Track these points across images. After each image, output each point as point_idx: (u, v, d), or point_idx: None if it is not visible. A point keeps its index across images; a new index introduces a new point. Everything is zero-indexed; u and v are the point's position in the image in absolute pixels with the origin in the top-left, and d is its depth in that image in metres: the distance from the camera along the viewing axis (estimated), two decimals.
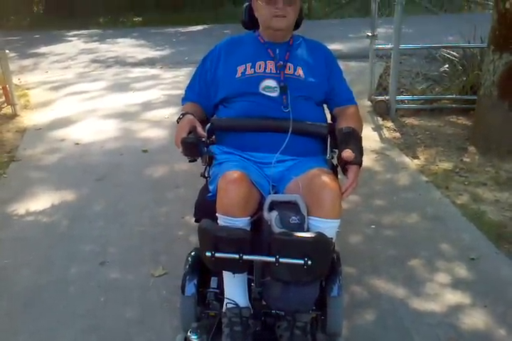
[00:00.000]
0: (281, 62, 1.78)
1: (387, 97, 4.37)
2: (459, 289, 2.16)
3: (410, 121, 4.26)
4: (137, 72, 6.46)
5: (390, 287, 2.19)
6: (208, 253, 1.45)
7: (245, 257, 1.44)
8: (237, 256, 1.44)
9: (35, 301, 2.19)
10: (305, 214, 1.52)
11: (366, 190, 3.03)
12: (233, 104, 1.79)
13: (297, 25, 1.90)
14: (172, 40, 8.59)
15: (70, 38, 9.40)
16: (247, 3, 1.89)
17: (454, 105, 4.43)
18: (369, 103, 4.60)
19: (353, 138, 1.62)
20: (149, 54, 7.58)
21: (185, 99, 1.94)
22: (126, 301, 2.17)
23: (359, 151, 1.58)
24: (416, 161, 3.45)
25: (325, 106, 1.91)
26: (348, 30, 8.14)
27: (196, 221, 1.70)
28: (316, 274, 1.47)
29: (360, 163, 1.57)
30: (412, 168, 3.35)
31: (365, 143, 3.72)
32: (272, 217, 1.51)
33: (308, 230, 1.52)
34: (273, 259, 1.42)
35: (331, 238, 1.54)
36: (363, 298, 2.13)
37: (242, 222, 1.54)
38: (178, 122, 1.73)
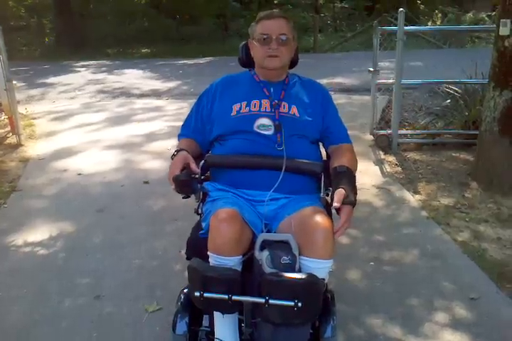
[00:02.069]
0: (276, 101, 1.80)
1: (389, 131, 4.39)
2: (459, 330, 2.11)
3: (412, 155, 4.26)
4: (142, 103, 6.56)
5: (388, 326, 2.14)
6: (197, 293, 1.43)
7: (235, 298, 1.42)
8: (226, 297, 1.42)
9: (27, 337, 2.15)
10: (297, 254, 1.50)
11: (366, 226, 3.01)
12: (228, 141, 1.80)
13: (293, 64, 1.93)
14: (179, 72, 8.75)
15: (78, 69, 9.61)
16: (243, 42, 1.94)
17: (456, 140, 4.44)
18: (371, 137, 4.62)
19: (347, 178, 1.62)
20: (155, 85, 7.71)
21: (181, 135, 1.95)
22: (119, 338, 2.13)
23: (352, 191, 1.57)
24: (417, 196, 3.43)
25: (320, 144, 1.92)
26: (351, 63, 8.27)
27: (188, 258, 1.68)
28: (307, 316, 1.44)
29: (352, 203, 1.56)
30: (413, 204, 3.33)
31: (367, 178, 3.84)
32: (263, 256, 1.50)
33: (299, 270, 1.50)
34: (263, 300, 1.40)
35: (323, 278, 1.52)
36: (360, 337, 2.08)
37: (234, 261, 1.53)
38: (172, 158, 1.74)
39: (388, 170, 3.93)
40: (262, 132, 1.75)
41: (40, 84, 7.88)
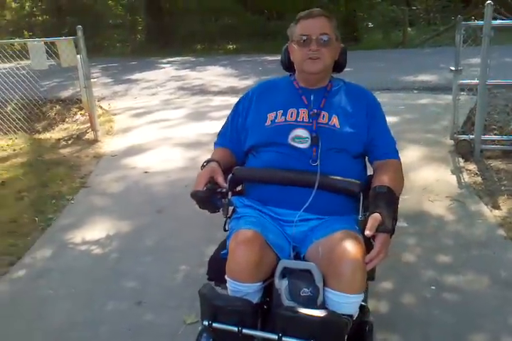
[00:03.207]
0: (315, 110, 1.62)
1: (471, 136, 4.00)
2: None
3: (496, 164, 3.84)
4: (219, 100, 6.56)
5: None
6: (206, 323, 1.31)
7: (245, 331, 1.29)
8: (235, 329, 1.29)
9: (65, 340, 2.17)
10: (320, 285, 1.34)
11: (431, 243, 2.73)
12: (261, 153, 1.66)
13: (340, 68, 1.74)
14: (258, 69, 8.68)
15: (163, 65, 9.86)
16: (286, 45, 1.78)
17: None
18: (451, 142, 4.24)
19: (385, 200, 1.42)
20: (233, 82, 7.70)
21: (216, 144, 1.84)
22: None
23: (390, 216, 1.37)
24: (496, 212, 3.07)
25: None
26: (440, 59, 7.71)
27: (209, 279, 1.57)
28: None
29: (388, 231, 1.36)
30: (489, 220, 2.98)
31: (441, 188, 3.52)
32: (282, 286, 1.35)
33: (323, 304, 1.34)
34: (275, 337, 1.26)
35: (351, 315, 1.35)
36: None
37: (252, 288, 1.40)
38: (201, 169, 1.63)
39: (466, 179, 3.57)
40: (297, 145, 1.59)
41: (125, 81, 8.17)
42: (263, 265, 1.40)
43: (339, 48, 1.70)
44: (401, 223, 2.93)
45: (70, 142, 5.12)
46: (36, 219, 3.35)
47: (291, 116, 1.63)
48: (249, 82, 7.70)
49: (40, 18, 15.85)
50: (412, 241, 2.76)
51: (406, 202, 3.14)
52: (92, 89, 4.97)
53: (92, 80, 5.01)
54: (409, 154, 3.93)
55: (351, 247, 1.35)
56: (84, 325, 2.25)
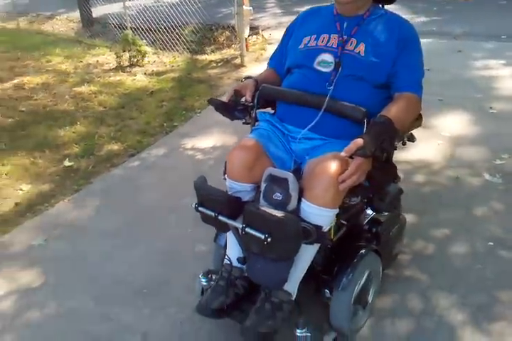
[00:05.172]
0: (345, 37, 1.66)
1: None
2: None
3: None
4: None
5: None
6: (194, 205, 1.58)
7: (220, 217, 1.53)
8: (213, 215, 1.53)
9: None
10: (293, 194, 1.49)
11: None
12: (292, 74, 1.78)
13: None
14: (433, 9, 8.05)
15: None
16: None
17: None
18: None
19: (379, 128, 1.45)
20: None
21: (268, 65, 1.99)
22: None
23: (374, 143, 1.41)
24: None
25: None
26: None
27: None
28: (279, 253, 1.45)
29: (365, 156, 1.41)
30: None
31: None
32: (262, 188, 1.53)
33: (295, 211, 1.50)
34: (240, 226, 1.47)
35: (321, 226, 1.49)
36: None
37: (243, 187, 1.62)
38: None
39: None
40: (321, 69, 1.67)
41: (293, 12, 8.26)
42: (256, 170, 1.59)
43: None
44: (496, 178, 2.79)
45: (219, 64, 5.56)
46: (165, 124, 3.89)
47: (322, 41, 1.70)
48: (415, 21, 7.26)
49: None
50: (495, 197, 2.62)
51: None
52: (246, 17, 5.24)
53: (246, 8, 5.27)
54: None
55: (332, 166, 1.45)
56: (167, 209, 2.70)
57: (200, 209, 1.58)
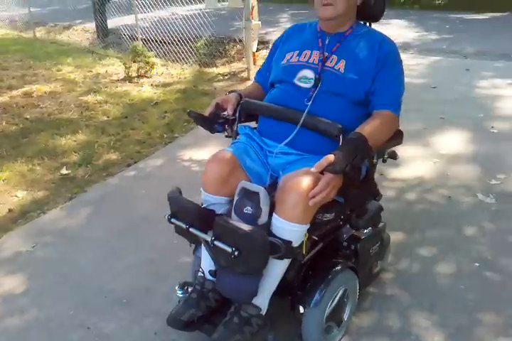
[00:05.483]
0: (326, 54, 1.68)
1: None
2: None
3: None
4: None
5: None
6: (167, 216, 1.60)
7: (191, 229, 1.54)
8: (184, 226, 1.54)
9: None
10: (264, 208, 1.50)
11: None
12: (273, 89, 1.81)
13: (371, 15, 1.76)
14: (445, 27, 8.06)
15: None
16: None
17: None
18: None
19: (352, 145, 1.46)
20: (409, 38, 7.33)
21: (255, 78, 2.02)
22: None
23: (346, 159, 1.42)
24: None
25: None
26: None
27: None
28: (245, 267, 1.46)
29: (335, 172, 1.41)
30: None
31: None
32: (234, 202, 1.54)
33: (267, 225, 1.50)
34: (209, 239, 1.48)
35: (290, 241, 1.49)
36: None
37: (216, 200, 1.63)
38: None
39: None
40: (301, 84, 1.69)
41: None
42: (231, 183, 1.60)
43: None
44: (489, 198, 2.76)
45: (226, 77, 5.62)
46: (165, 135, 3.92)
47: (304, 57, 1.72)
48: (426, 39, 7.28)
49: None
50: (487, 218, 2.59)
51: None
52: (255, 31, 5.33)
53: (255, 22, 5.35)
54: None
55: (302, 181, 1.46)
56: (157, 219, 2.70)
57: (172, 220, 1.59)
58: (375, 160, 1.71)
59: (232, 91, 1.86)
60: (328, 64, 1.68)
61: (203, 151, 3.56)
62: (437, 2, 12.00)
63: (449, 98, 4.54)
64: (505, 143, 3.47)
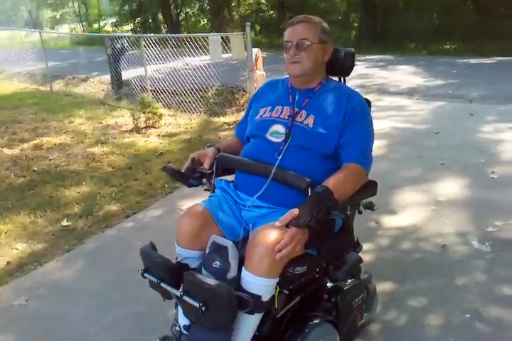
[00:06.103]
0: (296, 109, 1.75)
1: None
2: None
3: None
4: (387, 101, 6.50)
5: None
6: (140, 271, 1.62)
7: (162, 284, 1.55)
8: (155, 281, 1.56)
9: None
10: (232, 262, 1.51)
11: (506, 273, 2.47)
12: (248, 144, 1.86)
13: (342, 70, 1.83)
14: (452, 72, 8.20)
15: (358, 62, 9.94)
16: None
17: None
18: None
19: (315, 199, 1.48)
20: (415, 83, 7.47)
21: (235, 132, 2.08)
22: None
23: (310, 213, 1.43)
24: None
25: None
26: None
27: None
28: (213, 322, 1.46)
29: (298, 226, 1.43)
30: None
31: None
32: (204, 256, 1.56)
33: (236, 279, 1.51)
34: (178, 294, 1.49)
35: (259, 295, 1.49)
36: None
37: (189, 254, 1.65)
38: None
39: None
40: (273, 139, 1.74)
41: None
42: (203, 237, 1.62)
43: (329, 50, 1.79)
44: (484, 246, 2.72)
45: (231, 126, 5.75)
46: (166, 185, 3.99)
47: (275, 113, 1.79)
48: (432, 84, 7.40)
49: (266, 13, 17.36)
50: (481, 266, 2.54)
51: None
52: (260, 81, 5.50)
53: (259, 72, 5.53)
54: None
55: (268, 235, 1.48)
56: None
57: (145, 275, 1.61)
58: (348, 212, 1.73)
59: (210, 146, 1.92)
60: (297, 119, 1.74)
61: (199, 200, 3.60)
62: (446, 47, 12.26)
63: (451, 143, 4.56)
64: (505, 189, 3.45)
